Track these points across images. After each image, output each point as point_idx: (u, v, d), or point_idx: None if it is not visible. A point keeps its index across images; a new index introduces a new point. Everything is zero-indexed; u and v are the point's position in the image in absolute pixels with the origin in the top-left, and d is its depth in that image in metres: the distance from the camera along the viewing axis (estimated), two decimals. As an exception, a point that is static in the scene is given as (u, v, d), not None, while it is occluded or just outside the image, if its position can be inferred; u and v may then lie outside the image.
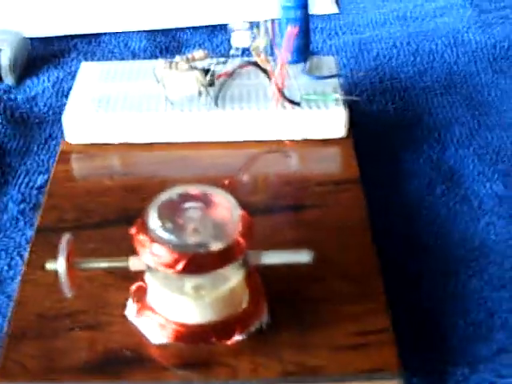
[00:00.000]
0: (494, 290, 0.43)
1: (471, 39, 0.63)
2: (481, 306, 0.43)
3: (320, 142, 0.51)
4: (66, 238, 0.37)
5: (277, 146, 0.50)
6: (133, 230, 0.38)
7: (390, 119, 0.56)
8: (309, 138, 0.50)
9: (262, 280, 0.40)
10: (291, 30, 0.46)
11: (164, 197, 0.38)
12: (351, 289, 0.41)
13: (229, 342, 0.38)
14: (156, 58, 0.64)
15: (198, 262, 0.36)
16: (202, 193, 0.38)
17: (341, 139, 0.51)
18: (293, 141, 0.50)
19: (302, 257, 0.38)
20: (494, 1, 0.67)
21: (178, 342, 0.38)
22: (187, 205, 0.38)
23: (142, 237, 0.37)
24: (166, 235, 0.36)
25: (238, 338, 0.38)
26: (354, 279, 0.42)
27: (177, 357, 0.38)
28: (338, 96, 0.50)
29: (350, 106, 0.51)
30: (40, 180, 0.52)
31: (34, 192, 0.51)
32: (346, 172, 0.49)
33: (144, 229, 0.37)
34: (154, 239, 0.37)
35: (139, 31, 0.67)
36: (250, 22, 0.49)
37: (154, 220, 0.37)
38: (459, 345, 0.41)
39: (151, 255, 0.37)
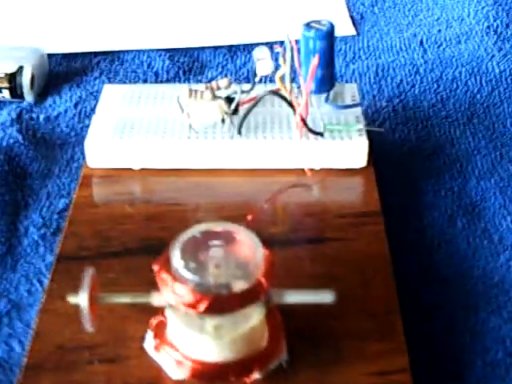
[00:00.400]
0: (513, 329, 0.43)
1: (495, 67, 0.63)
2: (499, 345, 0.43)
3: (341, 172, 0.50)
4: (89, 272, 0.37)
5: (301, 179, 0.49)
6: (155, 267, 0.38)
7: (411, 149, 0.56)
8: (330, 167, 0.50)
9: (282, 316, 0.40)
10: (313, 61, 0.46)
11: (187, 234, 0.38)
12: (370, 326, 0.41)
13: (247, 381, 0.38)
14: (179, 79, 0.64)
15: (220, 303, 0.36)
16: (225, 230, 0.38)
17: (362, 169, 0.50)
18: (314, 170, 0.50)
19: (325, 297, 0.38)
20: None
21: (196, 379, 0.38)
22: (210, 243, 0.38)
23: (164, 275, 0.37)
24: (188, 275, 0.36)
25: (256, 376, 0.38)
26: (374, 316, 0.42)
27: (195, 394, 0.38)
28: (361, 126, 0.50)
29: (372, 135, 0.51)
30: (61, 204, 0.52)
31: (55, 216, 0.51)
32: (367, 204, 0.48)
33: (167, 266, 0.37)
34: (177, 278, 0.37)
35: (160, 50, 0.67)
36: (271, 47, 0.49)
37: (176, 259, 0.37)
38: (477, 386, 0.41)
39: (173, 294, 0.37)
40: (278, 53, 0.48)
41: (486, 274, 0.47)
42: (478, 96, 0.60)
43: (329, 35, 0.47)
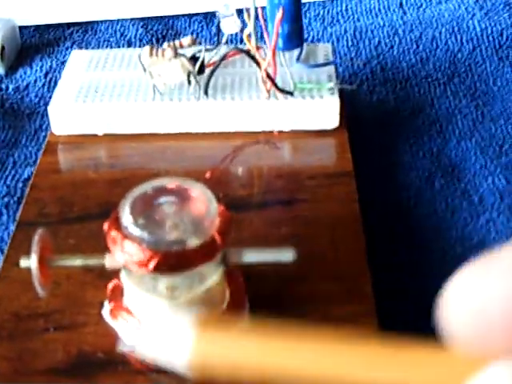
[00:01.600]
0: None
1: (476, 26, 0.61)
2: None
3: (313, 133, 0.48)
4: (39, 234, 0.36)
5: (265, 137, 0.48)
6: (105, 226, 0.36)
7: (390, 110, 0.54)
8: (301, 128, 0.48)
9: (245, 279, 0.39)
10: (277, 15, 0.44)
11: (138, 191, 0.36)
12: (338, 289, 0.39)
13: (206, 345, 0.36)
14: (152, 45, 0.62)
15: (171, 261, 0.34)
16: (179, 187, 0.36)
17: (335, 130, 0.48)
18: (283, 132, 0.48)
19: (284, 256, 0.36)
20: (501, -14, 0.64)
21: (152, 344, 0.36)
22: (162, 199, 0.36)
23: (114, 233, 0.35)
24: (137, 232, 0.34)
25: (215, 340, 0.36)
26: (342, 279, 0.40)
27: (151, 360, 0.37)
28: (332, 85, 0.48)
29: (348, 96, 0.50)
30: (27, 172, 0.51)
31: (20, 185, 0.50)
32: (338, 165, 0.47)
33: (117, 225, 0.35)
34: (126, 236, 0.35)
35: (135, 19, 0.65)
36: (238, 8, 0.47)
37: (126, 216, 0.35)
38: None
39: (122, 253, 0.35)
40: (244, 9, 0.46)
41: (464, 236, 0.45)
42: (459, 55, 0.58)
43: (293, -13, 0.45)
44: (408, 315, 0.40)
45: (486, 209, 0.46)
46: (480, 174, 0.48)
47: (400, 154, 0.50)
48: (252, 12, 0.45)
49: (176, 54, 0.46)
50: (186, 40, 0.47)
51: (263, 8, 0.46)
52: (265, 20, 0.46)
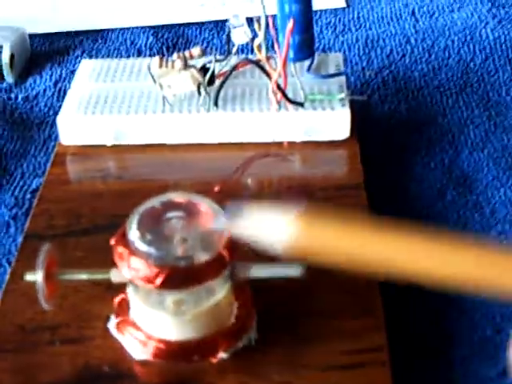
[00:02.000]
0: (503, 305, 0.41)
1: (489, 35, 0.60)
2: (488, 322, 0.40)
3: (324, 144, 0.48)
4: (45, 248, 0.36)
5: (276, 149, 0.47)
6: (112, 241, 0.36)
7: (402, 120, 0.53)
8: (312, 139, 0.48)
9: (253, 292, 0.38)
10: (288, 26, 0.44)
11: (146, 206, 0.36)
12: (348, 302, 0.39)
13: (213, 360, 0.36)
14: (162, 55, 0.62)
15: (178, 277, 0.34)
16: (187, 201, 0.36)
17: (345, 141, 0.48)
18: (294, 142, 0.48)
19: (292, 271, 0.36)
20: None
21: (158, 359, 0.36)
22: (169, 214, 0.36)
23: (121, 249, 0.35)
24: (144, 247, 0.34)
25: (222, 355, 0.36)
26: (351, 292, 0.39)
27: (158, 374, 0.36)
28: (343, 95, 0.48)
29: (359, 106, 0.49)
30: (35, 183, 0.50)
31: (28, 196, 0.49)
32: (349, 176, 0.46)
33: (124, 240, 0.35)
34: (133, 251, 0.34)
35: (145, 27, 0.65)
36: (249, 18, 0.46)
37: (133, 231, 0.35)
38: (462, 364, 0.38)
39: (129, 269, 0.34)
40: (254, 19, 0.46)
41: (476, 249, 0.44)
42: (472, 65, 0.58)
43: (304, -2, 0.45)
44: (417, 328, 0.40)
45: (497, 221, 0.46)
46: (492, 185, 0.48)
47: (411, 164, 0.50)
48: (262, 22, 0.45)
49: (186, 65, 0.46)
50: (196, 51, 0.47)
51: (274, 17, 0.46)
52: (275, 30, 0.46)
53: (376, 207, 0.44)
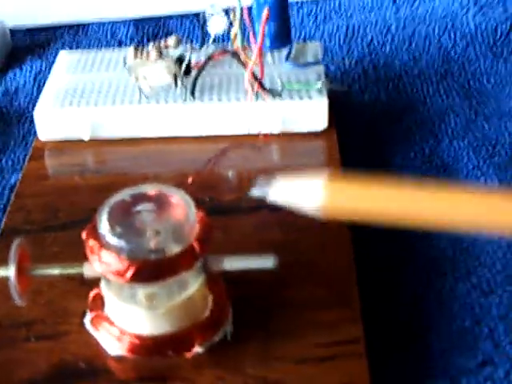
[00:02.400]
0: (482, 295, 0.40)
1: (470, 22, 0.60)
2: (467, 313, 0.40)
3: (302, 135, 0.48)
4: (16, 243, 0.35)
5: (253, 140, 0.47)
6: (83, 235, 0.35)
7: (382, 109, 0.53)
8: (290, 130, 0.47)
9: (228, 285, 0.38)
10: (263, 15, 0.43)
11: (116, 198, 0.36)
12: (324, 294, 0.38)
13: (188, 355, 0.36)
14: (143, 46, 0.61)
15: (149, 270, 0.34)
16: (157, 193, 0.36)
17: (324, 131, 0.48)
18: (272, 134, 0.47)
19: (266, 262, 0.35)
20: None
21: (133, 354, 0.36)
22: (140, 207, 0.35)
23: (91, 242, 0.35)
24: (115, 241, 0.34)
25: (197, 350, 0.35)
26: (327, 284, 0.39)
27: (134, 370, 0.36)
28: (321, 84, 0.47)
29: (339, 96, 0.49)
30: (14, 178, 0.50)
31: (6, 192, 0.49)
32: (327, 168, 0.46)
33: (94, 233, 0.35)
34: (103, 245, 0.34)
35: (126, 19, 0.64)
36: (225, 9, 0.46)
37: (103, 224, 0.34)
38: (441, 356, 0.38)
39: (100, 262, 0.34)
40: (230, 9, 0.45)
41: (456, 238, 0.43)
42: (452, 52, 0.57)
43: (279, -14, 0.44)
44: (395, 319, 0.39)
45: (478, 210, 0.45)
46: (473, 174, 0.47)
47: (391, 154, 0.49)
48: (238, 11, 0.45)
49: (161, 55, 0.46)
50: (172, 40, 0.46)
51: (249, 8, 0.45)
52: (251, 20, 0.45)
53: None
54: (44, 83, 0.58)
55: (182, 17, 0.65)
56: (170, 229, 0.34)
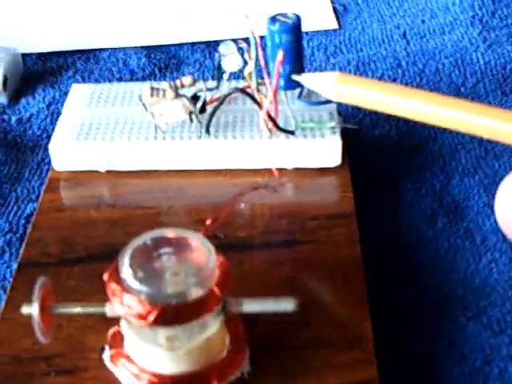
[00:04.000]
0: (492, 335, 0.41)
1: (479, 59, 0.60)
2: (478, 353, 0.40)
3: (315, 172, 0.48)
4: (40, 282, 0.36)
5: (272, 180, 0.47)
6: (105, 277, 0.36)
7: (392, 145, 0.54)
8: (303, 166, 0.48)
9: (245, 325, 0.39)
10: (277, 57, 0.44)
11: (137, 242, 0.36)
12: (339, 335, 0.39)
13: (206, 394, 0.36)
14: (155, 76, 0.62)
15: (170, 314, 0.34)
16: (178, 237, 0.37)
17: (337, 168, 0.48)
18: (285, 170, 0.48)
19: (285, 305, 0.36)
20: (503, 18, 0.64)
21: (152, 392, 0.37)
22: (161, 251, 0.36)
23: (113, 285, 0.35)
24: (136, 285, 0.34)
25: (215, 389, 0.36)
26: (343, 324, 0.40)
27: (152, 408, 0.37)
28: (334, 124, 0.48)
29: (349, 133, 0.49)
30: (29, 208, 0.51)
31: (22, 221, 0.50)
32: (340, 205, 0.46)
33: (116, 276, 0.36)
34: (125, 289, 0.35)
35: (137, 47, 0.65)
36: (237, 43, 0.47)
37: (125, 268, 0.35)
38: (453, 396, 0.39)
39: (122, 305, 0.35)
40: (244, 48, 0.46)
41: (466, 277, 0.44)
42: (462, 89, 0.58)
43: (295, 28, 0.45)
44: (407, 359, 0.40)
45: (488, 249, 0.46)
46: (483, 212, 0.48)
47: (402, 191, 0.50)
48: (253, 52, 0.45)
49: (177, 95, 0.46)
50: (187, 80, 0.47)
51: (264, 43, 0.46)
52: (265, 60, 0.46)
53: (367, 236, 0.45)
54: (57, 112, 0.59)
55: (193, 46, 0.66)
56: (191, 273, 0.35)
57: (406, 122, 0.55)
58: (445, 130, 0.55)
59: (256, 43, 0.45)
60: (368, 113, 0.56)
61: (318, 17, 0.66)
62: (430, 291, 0.44)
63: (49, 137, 0.56)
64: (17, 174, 0.54)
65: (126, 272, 0.35)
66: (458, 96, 0.57)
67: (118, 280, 0.35)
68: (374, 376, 0.37)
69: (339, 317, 0.40)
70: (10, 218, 0.50)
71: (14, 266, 0.46)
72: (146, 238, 0.36)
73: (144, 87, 0.48)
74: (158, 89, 0.47)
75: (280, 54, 0.44)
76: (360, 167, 0.50)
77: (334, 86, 0.42)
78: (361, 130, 0.54)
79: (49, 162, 0.54)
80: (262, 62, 0.45)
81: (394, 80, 0.59)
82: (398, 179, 0.51)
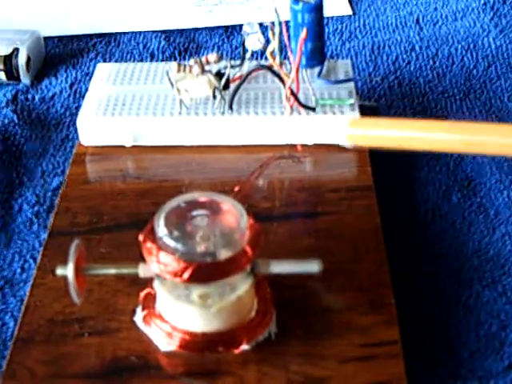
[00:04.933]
0: (507, 303, 0.43)
1: (491, 43, 0.62)
2: (493, 319, 0.42)
3: (334, 148, 0.50)
4: (75, 244, 0.37)
5: (290, 152, 0.49)
6: (140, 238, 0.38)
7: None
8: (323, 142, 0.50)
9: (271, 289, 0.40)
10: (301, 35, 0.46)
11: (171, 204, 0.38)
12: (361, 299, 0.41)
13: (236, 351, 0.38)
14: (175, 59, 0.64)
15: (204, 271, 0.36)
16: (210, 200, 0.38)
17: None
18: (306, 146, 0.50)
19: (311, 267, 0.38)
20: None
21: (185, 350, 0.38)
22: (195, 212, 0.38)
23: (149, 244, 0.37)
24: (172, 243, 0.36)
25: (244, 347, 0.38)
26: (364, 289, 0.41)
27: (184, 365, 0.38)
28: (353, 101, 0.50)
29: (367, 111, 0.51)
30: (55, 182, 0.52)
31: (49, 194, 0.51)
32: (359, 179, 0.48)
33: (151, 236, 0.37)
34: (161, 247, 0.36)
35: (156, 31, 0.67)
36: (261, 24, 0.48)
37: (161, 228, 0.37)
38: (470, 359, 0.40)
39: (158, 263, 0.36)
40: (267, 28, 0.48)
41: (481, 248, 0.46)
42: (475, 72, 0.60)
43: (317, 8, 0.47)
44: (427, 324, 0.42)
45: (501, 222, 0.48)
46: (495, 188, 0.50)
47: (417, 168, 0.52)
48: (277, 31, 0.47)
49: (203, 71, 0.48)
50: (212, 57, 0.48)
51: (287, 23, 0.47)
52: (288, 37, 0.48)
53: (384, 209, 0.46)
54: (80, 92, 0.60)
55: (211, 30, 0.67)
56: (224, 233, 0.37)
57: (420, 102, 0.57)
58: (457, 110, 0.56)
59: (280, 22, 0.47)
60: (383, 94, 0.58)
61: (333, 3, 0.68)
62: (446, 261, 0.45)
63: (72, 115, 0.58)
64: (42, 149, 0.55)
65: (162, 231, 0.36)
66: (470, 79, 0.59)
67: (154, 240, 0.37)
68: (396, 338, 0.39)
69: (361, 282, 0.42)
70: (36, 190, 0.52)
71: (43, 236, 0.48)
72: (180, 200, 0.38)
73: (172, 63, 0.49)
74: (184, 65, 0.48)
75: (303, 32, 0.46)
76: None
77: (346, 130, 0.45)
78: (378, 108, 0.56)
79: (72, 139, 0.56)
80: (286, 39, 0.47)
81: (409, 63, 0.61)
82: (413, 157, 0.53)
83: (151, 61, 0.64)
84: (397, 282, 0.42)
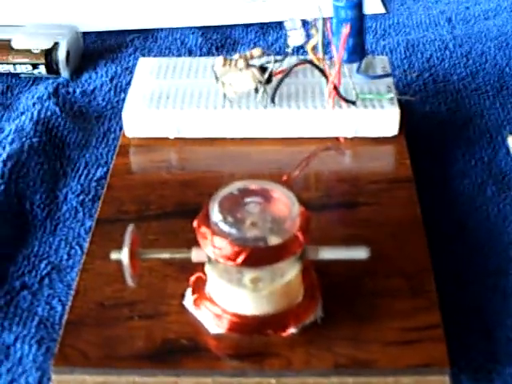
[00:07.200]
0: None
1: (523, 42, 0.64)
2: (530, 306, 0.43)
3: (374, 140, 0.51)
4: (130, 229, 0.39)
5: (332, 145, 0.50)
6: (195, 223, 0.39)
7: (442, 120, 0.57)
8: (363, 135, 0.51)
9: (317, 274, 0.42)
10: (344, 30, 0.47)
11: (225, 191, 0.39)
12: (403, 285, 0.42)
13: (283, 334, 0.39)
14: (212, 55, 0.65)
15: (257, 256, 0.37)
16: (262, 188, 0.40)
17: (394, 138, 0.51)
18: (347, 138, 0.51)
19: (359, 253, 0.39)
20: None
21: (234, 332, 0.39)
22: (247, 199, 0.39)
23: (204, 229, 0.38)
24: (227, 228, 0.37)
25: (292, 330, 0.39)
26: (407, 276, 0.43)
27: (233, 347, 0.39)
28: (392, 95, 0.51)
29: (404, 106, 0.52)
30: (99, 172, 0.54)
31: (93, 184, 0.53)
32: (399, 170, 0.50)
33: (206, 222, 0.38)
34: (216, 232, 0.38)
35: (193, 27, 0.68)
36: (303, 21, 0.50)
37: (215, 213, 0.38)
38: (507, 345, 0.41)
39: (213, 247, 0.38)
40: (309, 23, 0.49)
41: (516, 240, 0.47)
42: (507, 69, 0.61)
43: (358, 4, 0.48)
44: (465, 311, 0.43)
45: (535, 214, 0.49)
46: (529, 183, 0.51)
47: (453, 162, 0.53)
48: (320, 27, 0.48)
49: (248, 65, 0.50)
50: (256, 52, 0.50)
51: (330, 19, 0.49)
52: (331, 33, 0.49)
53: (422, 201, 0.48)
54: (120, 86, 0.62)
55: (247, 27, 0.69)
56: (275, 220, 0.38)
57: (454, 99, 0.59)
58: (491, 106, 0.58)
59: (324, 18, 0.48)
60: (418, 90, 0.59)
61: (366, 1, 0.69)
62: (482, 251, 0.47)
63: (113, 108, 0.60)
64: (84, 141, 0.57)
65: (217, 217, 0.38)
66: (502, 77, 0.60)
67: (208, 225, 0.38)
68: (438, 322, 0.40)
69: (404, 269, 0.43)
70: (81, 180, 0.53)
71: (88, 224, 0.49)
72: (233, 188, 0.39)
73: (217, 58, 0.51)
74: (230, 59, 0.50)
75: (346, 28, 0.47)
76: (413, 139, 0.53)
77: None
78: (416, 102, 0.57)
79: (115, 131, 0.57)
80: (329, 35, 0.48)
81: (442, 61, 0.62)
82: (448, 151, 0.54)
83: (189, 56, 0.65)
84: (435, 271, 0.43)
